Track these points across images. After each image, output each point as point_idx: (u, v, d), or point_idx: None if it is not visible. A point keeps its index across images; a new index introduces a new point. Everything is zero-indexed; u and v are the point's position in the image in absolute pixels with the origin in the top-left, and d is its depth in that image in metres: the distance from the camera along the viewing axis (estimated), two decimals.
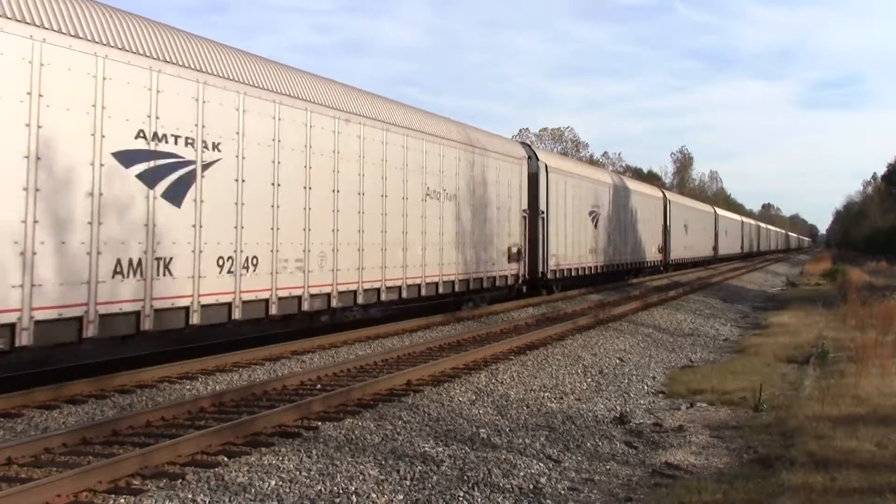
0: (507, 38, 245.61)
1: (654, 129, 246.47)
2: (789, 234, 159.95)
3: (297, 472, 6.73)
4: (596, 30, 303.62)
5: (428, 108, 18.86)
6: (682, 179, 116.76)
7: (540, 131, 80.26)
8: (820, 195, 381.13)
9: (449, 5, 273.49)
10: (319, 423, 8.27)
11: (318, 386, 10.38)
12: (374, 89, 16.69)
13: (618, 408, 10.45)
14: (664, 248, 41.10)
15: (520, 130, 78.43)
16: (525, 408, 9.98)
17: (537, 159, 23.38)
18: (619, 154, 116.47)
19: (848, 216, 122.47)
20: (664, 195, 43.30)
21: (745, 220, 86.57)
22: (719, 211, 64.06)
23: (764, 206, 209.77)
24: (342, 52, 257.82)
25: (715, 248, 57.97)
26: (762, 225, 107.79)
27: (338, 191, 14.06)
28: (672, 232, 42.81)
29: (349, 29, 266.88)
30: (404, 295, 16.19)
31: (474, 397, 10.17)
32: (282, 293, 12.55)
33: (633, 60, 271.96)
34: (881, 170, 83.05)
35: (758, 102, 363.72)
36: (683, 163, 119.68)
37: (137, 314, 10.15)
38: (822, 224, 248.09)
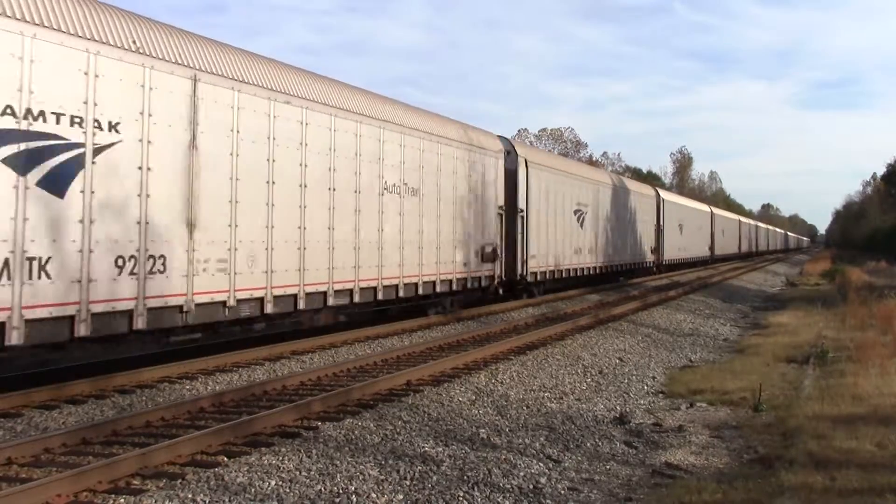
0: (507, 38, 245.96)
1: (654, 129, 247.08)
2: (788, 234, 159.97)
3: (297, 472, 6.73)
4: (595, 30, 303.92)
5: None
6: (682, 179, 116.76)
7: (539, 132, 79.82)
8: (819, 195, 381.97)
9: (449, 5, 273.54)
10: (319, 423, 8.27)
11: (318, 386, 10.39)
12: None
13: (618, 408, 10.46)
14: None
15: (519, 131, 78.13)
16: (525, 408, 9.98)
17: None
18: (619, 154, 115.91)
19: (847, 216, 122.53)
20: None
21: (743, 219, 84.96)
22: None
23: (763, 207, 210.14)
24: (341, 53, 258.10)
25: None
26: (760, 225, 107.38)
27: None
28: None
29: (348, 29, 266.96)
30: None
31: (474, 397, 10.17)
32: None
33: (633, 61, 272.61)
34: (881, 170, 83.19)
35: (758, 102, 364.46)
36: (683, 163, 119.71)
37: None
38: (822, 224, 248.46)
